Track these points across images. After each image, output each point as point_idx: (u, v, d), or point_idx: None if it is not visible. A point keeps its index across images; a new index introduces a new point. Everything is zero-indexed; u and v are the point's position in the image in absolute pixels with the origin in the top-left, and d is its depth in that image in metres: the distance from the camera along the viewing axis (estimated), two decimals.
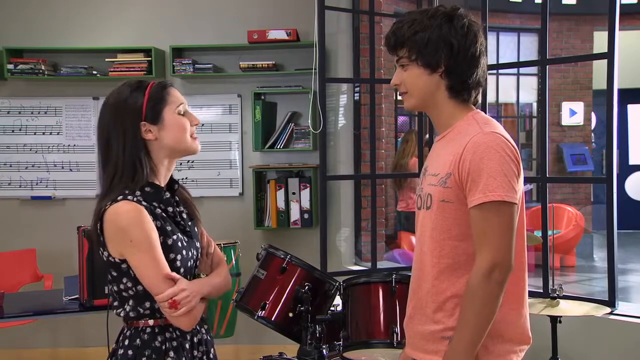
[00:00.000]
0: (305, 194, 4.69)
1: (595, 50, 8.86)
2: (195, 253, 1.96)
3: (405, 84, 1.90)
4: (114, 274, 1.87)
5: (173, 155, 1.95)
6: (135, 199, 1.83)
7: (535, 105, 9.63)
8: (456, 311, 1.80)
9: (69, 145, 4.95)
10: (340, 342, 2.57)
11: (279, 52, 4.79)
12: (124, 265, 1.84)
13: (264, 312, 2.61)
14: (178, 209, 1.97)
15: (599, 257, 7.88)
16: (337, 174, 4.70)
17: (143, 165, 1.86)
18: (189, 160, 4.89)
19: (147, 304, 1.86)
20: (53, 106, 4.94)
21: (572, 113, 9.40)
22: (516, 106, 9.79)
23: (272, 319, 2.62)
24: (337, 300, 2.72)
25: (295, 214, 4.71)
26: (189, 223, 1.98)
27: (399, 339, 2.38)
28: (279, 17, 4.80)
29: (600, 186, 8.02)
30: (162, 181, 1.95)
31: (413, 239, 5.00)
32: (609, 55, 3.28)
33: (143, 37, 4.88)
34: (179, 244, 1.89)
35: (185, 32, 4.89)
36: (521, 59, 9.23)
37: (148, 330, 1.87)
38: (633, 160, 10.59)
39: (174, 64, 4.74)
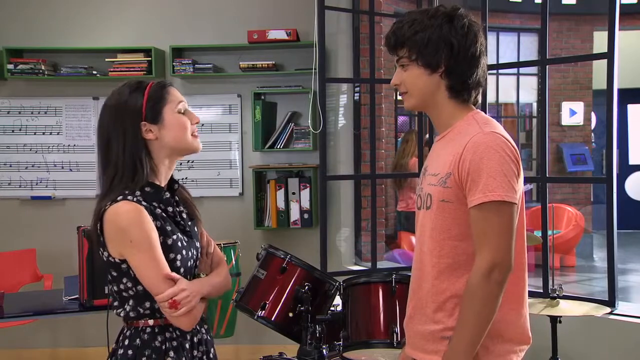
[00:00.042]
0: (305, 194, 4.69)
1: (595, 50, 8.86)
2: (195, 253, 1.96)
3: (405, 84, 1.90)
4: (114, 274, 1.87)
5: (174, 154, 1.95)
6: (135, 199, 1.83)
7: (535, 105, 9.63)
8: (456, 311, 1.79)
9: (69, 145, 4.95)
10: (340, 342, 2.57)
11: (279, 52, 4.79)
12: (124, 266, 1.84)
13: (264, 312, 2.61)
14: (178, 209, 1.97)
15: (599, 257, 7.88)
16: (337, 174, 4.70)
17: (143, 165, 1.86)
18: (189, 160, 4.89)
19: (147, 304, 1.86)
20: (53, 106, 4.94)
21: (572, 113, 9.40)
22: (516, 106, 9.79)
23: (272, 319, 2.62)
24: (337, 300, 2.72)
25: (295, 214, 4.71)
26: (189, 223, 1.99)
27: (399, 339, 2.38)
28: (279, 17, 4.80)
29: (600, 186, 8.02)
30: (163, 181, 1.95)
31: (413, 239, 5.00)
32: (609, 55, 3.28)
33: (143, 37, 4.88)
34: (179, 244, 1.89)
35: (185, 32, 4.89)
36: (521, 59, 9.23)
37: (148, 330, 1.87)
38: (633, 160, 10.59)
39: (174, 64, 4.74)
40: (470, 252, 1.78)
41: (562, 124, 9.41)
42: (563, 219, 7.17)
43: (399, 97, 4.68)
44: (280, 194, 4.70)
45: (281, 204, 4.71)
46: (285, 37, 4.63)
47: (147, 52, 4.72)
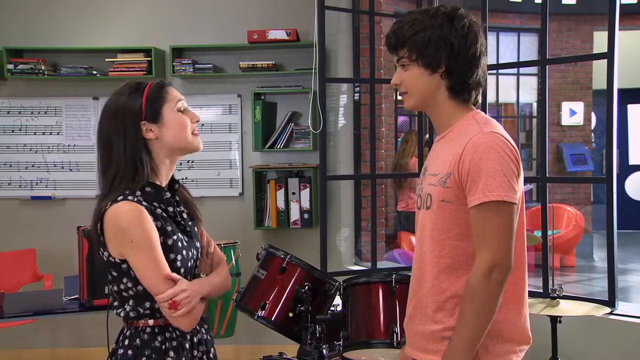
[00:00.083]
0: (305, 194, 4.69)
1: (595, 50, 8.85)
2: (195, 253, 1.96)
3: (406, 84, 1.90)
4: (114, 274, 1.87)
5: (175, 153, 1.95)
6: (135, 199, 1.83)
7: (535, 105, 9.62)
8: (456, 311, 1.79)
9: (69, 145, 4.95)
10: (340, 342, 2.57)
11: (279, 52, 4.79)
12: (124, 266, 1.84)
13: (264, 312, 2.61)
14: (178, 209, 1.97)
15: (599, 257, 7.88)
16: (337, 174, 4.70)
17: (144, 165, 1.86)
18: (189, 160, 4.89)
19: (147, 304, 1.86)
20: (53, 106, 4.94)
21: (572, 113, 9.40)
22: (516, 106, 9.79)
23: (272, 319, 2.62)
24: (337, 300, 2.72)
25: (295, 214, 4.71)
26: (189, 223, 1.99)
27: (399, 339, 2.38)
28: (279, 17, 4.80)
29: (600, 186, 8.02)
30: (164, 181, 1.95)
31: (413, 239, 5.00)
32: (609, 55, 3.28)
33: (143, 37, 4.88)
34: (179, 244, 1.89)
35: (185, 32, 4.89)
36: (521, 59, 9.22)
37: (148, 330, 1.87)
38: (633, 160, 10.59)
39: (174, 64, 4.74)
40: (470, 252, 1.78)
41: (562, 124, 9.41)
42: (563, 219, 7.17)
43: (399, 97, 4.69)
44: (280, 194, 4.70)
45: (281, 204, 4.71)
46: (285, 37, 4.63)
47: (147, 52, 4.72)
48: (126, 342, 1.89)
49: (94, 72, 4.81)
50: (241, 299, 2.71)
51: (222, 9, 4.89)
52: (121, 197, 1.82)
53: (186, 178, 4.84)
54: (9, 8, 4.94)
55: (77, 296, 3.29)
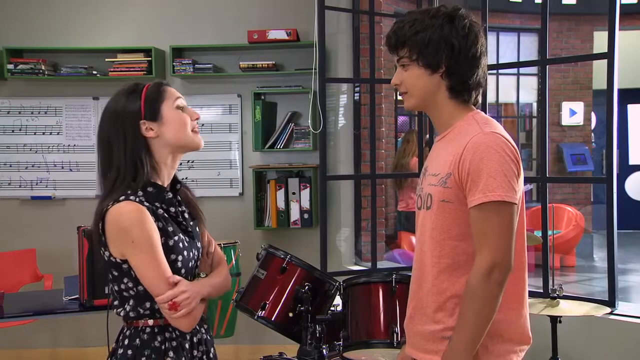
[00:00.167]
0: (305, 194, 4.69)
1: (595, 50, 8.85)
2: (196, 253, 1.96)
3: (406, 84, 1.90)
4: (115, 273, 1.87)
5: (176, 151, 1.95)
6: (137, 199, 1.83)
7: (535, 105, 9.62)
8: (456, 311, 1.80)
9: (69, 145, 4.95)
10: (340, 342, 2.57)
11: (279, 52, 4.79)
12: (125, 266, 1.84)
13: (264, 312, 2.61)
14: (180, 209, 1.97)
15: (599, 257, 7.88)
16: (337, 174, 4.70)
17: (144, 164, 1.86)
18: (189, 160, 4.89)
19: (148, 304, 1.86)
20: (53, 106, 4.94)
21: (572, 113, 9.40)
22: (516, 106, 9.79)
23: (272, 319, 2.62)
24: (337, 300, 2.72)
25: (295, 214, 4.71)
26: (191, 223, 1.98)
27: (399, 339, 2.38)
28: (279, 17, 4.80)
29: (600, 186, 8.02)
30: (166, 180, 1.95)
31: (413, 239, 5.00)
32: (609, 55, 3.28)
33: (143, 37, 4.88)
34: (181, 244, 1.89)
35: (185, 32, 4.89)
36: (521, 59, 9.22)
37: (148, 330, 1.87)
38: (633, 160, 10.59)
39: (174, 64, 4.74)
40: (471, 252, 1.79)
41: (562, 124, 9.41)
42: (563, 219, 7.17)
43: (399, 97, 4.68)
44: (280, 194, 4.70)
45: (281, 204, 4.71)
46: (285, 37, 4.63)
47: (147, 52, 4.72)
48: (126, 342, 1.89)
49: (94, 72, 4.81)
50: (241, 299, 2.71)
51: (222, 9, 4.89)
52: (123, 197, 1.82)
53: (186, 178, 4.84)
54: (9, 8, 4.94)
55: (77, 296, 3.30)
